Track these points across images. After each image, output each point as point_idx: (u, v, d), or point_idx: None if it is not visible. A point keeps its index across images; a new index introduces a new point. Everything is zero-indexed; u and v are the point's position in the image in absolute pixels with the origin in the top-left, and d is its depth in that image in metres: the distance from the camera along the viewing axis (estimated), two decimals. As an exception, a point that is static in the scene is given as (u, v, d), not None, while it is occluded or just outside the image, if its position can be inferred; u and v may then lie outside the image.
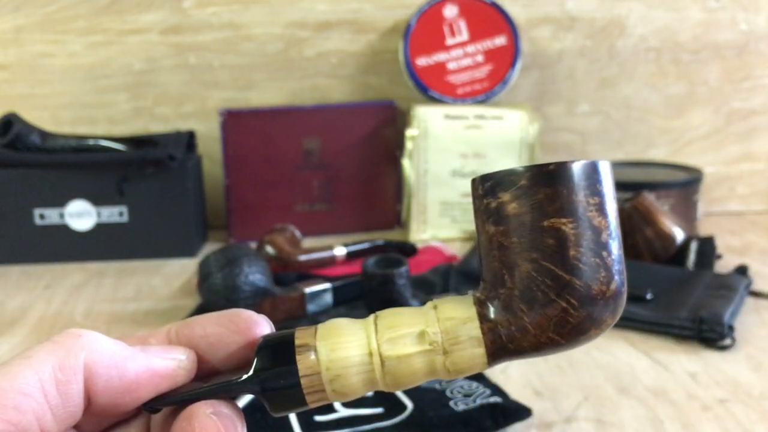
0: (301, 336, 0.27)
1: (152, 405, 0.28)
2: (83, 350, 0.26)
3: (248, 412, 0.28)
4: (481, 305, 0.27)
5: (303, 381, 0.27)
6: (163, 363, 0.27)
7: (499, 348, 0.26)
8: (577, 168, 0.25)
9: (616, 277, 0.26)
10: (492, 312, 0.26)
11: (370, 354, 0.27)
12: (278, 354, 0.27)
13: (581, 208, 0.25)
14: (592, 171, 0.26)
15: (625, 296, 0.27)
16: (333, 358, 0.27)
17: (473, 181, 0.27)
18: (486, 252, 0.27)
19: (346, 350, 0.27)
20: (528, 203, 0.25)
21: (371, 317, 0.28)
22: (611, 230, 0.26)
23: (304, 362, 0.27)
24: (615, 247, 0.26)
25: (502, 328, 0.26)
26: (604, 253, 0.26)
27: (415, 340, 0.27)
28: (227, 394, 0.27)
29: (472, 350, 0.26)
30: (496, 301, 0.26)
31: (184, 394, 0.27)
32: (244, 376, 0.27)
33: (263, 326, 0.29)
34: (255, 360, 0.27)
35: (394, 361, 0.27)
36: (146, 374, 0.27)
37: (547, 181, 0.25)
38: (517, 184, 0.26)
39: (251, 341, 0.28)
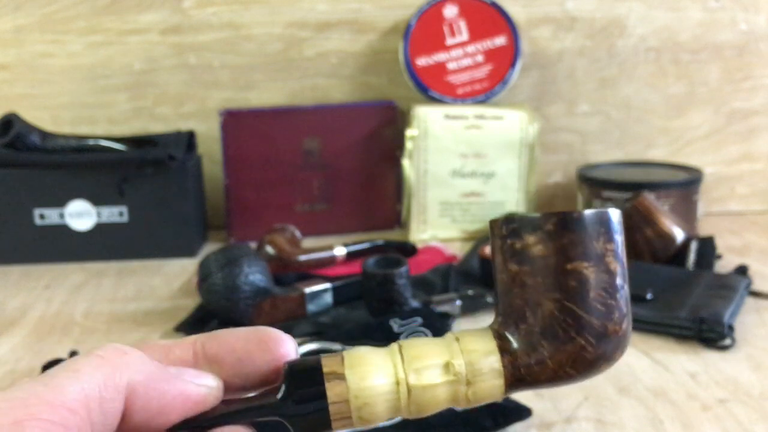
0: (328, 364, 0.28)
1: (179, 429, 0.28)
2: (128, 369, 0.26)
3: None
4: (501, 339, 0.28)
5: (331, 408, 0.27)
6: (197, 389, 0.28)
7: (517, 380, 0.28)
8: (597, 216, 0.28)
9: (627, 317, 0.28)
10: (513, 347, 0.28)
11: (397, 383, 0.28)
12: (307, 381, 0.28)
13: (601, 254, 0.27)
14: (608, 219, 0.28)
15: (630, 335, 0.29)
16: (362, 386, 0.28)
17: (494, 221, 0.29)
18: (506, 288, 0.28)
19: (374, 379, 0.28)
20: (553, 247, 0.27)
21: (395, 346, 0.29)
22: (623, 274, 0.28)
23: (333, 390, 0.28)
24: (626, 289, 0.28)
25: (522, 362, 0.28)
26: (618, 295, 0.28)
27: (440, 371, 0.28)
28: (252, 417, 0.28)
29: (492, 382, 0.28)
30: (517, 335, 0.28)
31: (211, 419, 0.28)
32: (272, 401, 0.28)
33: (290, 345, 0.29)
34: (283, 386, 0.28)
35: (419, 390, 0.28)
36: (180, 398, 0.27)
37: (571, 227, 0.27)
38: (543, 228, 0.27)
39: (277, 359, 0.29)
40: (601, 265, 0.27)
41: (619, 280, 0.28)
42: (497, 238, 0.29)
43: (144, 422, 0.27)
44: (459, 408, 0.29)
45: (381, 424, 0.52)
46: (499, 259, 0.29)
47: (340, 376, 0.28)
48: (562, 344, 0.27)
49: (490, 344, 0.28)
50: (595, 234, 0.27)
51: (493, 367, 0.28)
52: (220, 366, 0.29)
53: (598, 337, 0.27)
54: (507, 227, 0.28)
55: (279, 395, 0.28)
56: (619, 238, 0.28)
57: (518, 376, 0.28)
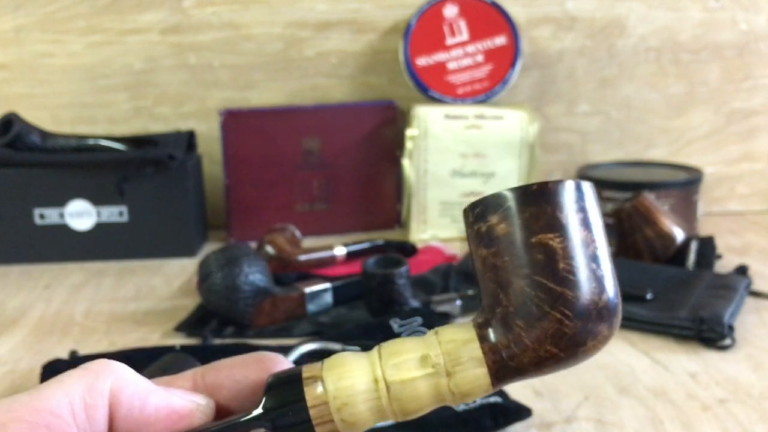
0: (308, 370, 0.28)
1: None
2: (111, 376, 0.27)
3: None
4: (480, 327, 0.28)
5: (312, 412, 0.27)
6: (183, 403, 0.28)
7: (501, 367, 0.27)
8: (559, 186, 0.27)
9: (608, 288, 0.27)
10: (491, 332, 0.27)
11: (376, 381, 0.27)
12: (287, 389, 0.28)
13: (567, 224, 0.26)
14: (575, 189, 0.27)
15: (620, 309, 0.27)
16: (339, 387, 0.27)
17: (464, 211, 0.28)
18: (481, 276, 0.28)
19: (351, 378, 0.27)
20: (515, 222, 0.27)
21: (375, 348, 0.29)
22: (597, 243, 0.27)
23: (311, 393, 0.27)
24: (604, 259, 0.27)
25: (502, 346, 0.27)
26: (593, 265, 0.27)
27: (418, 363, 0.27)
28: (238, 431, 0.28)
29: (474, 371, 0.27)
30: (494, 320, 0.27)
31: None
32: (254, 413, 0.28)
33: (286, 365, 0.29)
34: (264, 397, 0.28)
35: (398, 386, 0.27)
36: (165, 410, 0.27)
37: (531, 200, 0.27)
38: (503, 206, 0.27)
39: None
40: (570, 235, 0.26)
41: (592, 250, 0.27)
42: (468, 227, 0.28)
43: None
44: (453, 405, 0.29)
45: (380, 424, 0.52)
46: (472, 248, 0.28)
47: (319, 379, 0.27)
48: (537, 320, 0.26)
49: (469, 333, 0.27)
50: (560, 204, 0.26)
51: (473, 356, 0.27)
52: (219, 392, 0.29)
53: (575, 309, 0.26)
54: (473, 213, 0.28)
55: (261, 406, 0.28)
56: (589, 206, 0.27)
57: (501, 362, 0.27)
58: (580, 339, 0.26)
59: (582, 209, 0.27)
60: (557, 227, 0.26)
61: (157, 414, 0.27)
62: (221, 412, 0.29)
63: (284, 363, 0.30)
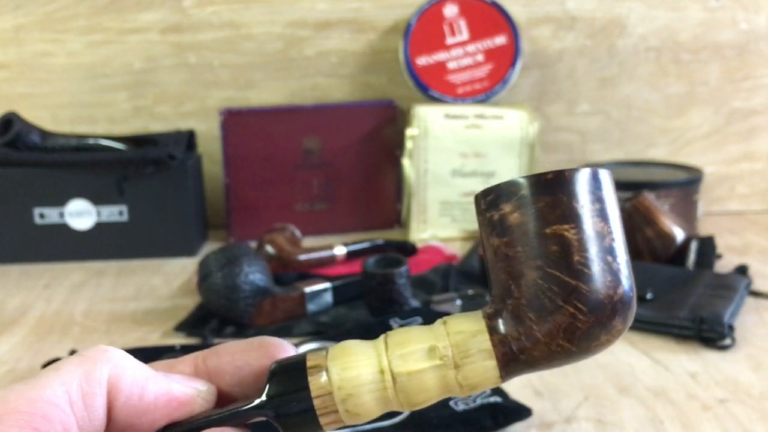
0: (312, 358, 0.27)
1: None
2: (109, 364, 0.26)
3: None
4: (490, 318, 0.27)
5: (315, 402, 0.27)
6: (183, 389, 0.27)
7: (511, 360, 0.26)
8: (576, 175, 0.26)
9: (624, 282, 0.26)
10: (501, 324, 0.26)
11: (382, 372, 0.27)
12: (290, 377, 0.27)
13: (583, 214, 0.25)
14: (592, 178, 0.26)
15: (635, 302, 0.27)
16: (344, 377, 0.27)
17: (476, 197, 0.27)
18: (492, 265, 0.27)
19: (357, 369, 0.27)
20: (529, 212, 0.25)
21: (381, 336, 0.28)
22: (614, 235, 0.26)
23: (315, 383, 0.27)
24: (620, 251, 0.26)
25: (512, 339, 0.26)
26: (609, 258, 0.26)
27: (425, 355, 0.26)
28: (240, 420, 0.27)
29: (483, 363, 0.26)
30: (505, 312, 0.26)
31: (197, 422, 0.27)
32: (257, 401, 0.27)
33: (290, 351, 0.29)
34: (267, 385, 0.27)
35: (405, 377, 0.26)
36: (165, 397, 0.27)
37: (546, 190, 0.25)
38: (517, 195, 0.26)
39: None
40: (585, 226, 0.25)
41: (609, 242, 0.26)
42: (479, 215, 0.27)
43: (128, 421, 0.26)
44: (458, 399, 0.28)
45: (380, 424, 0.52)
46: (483, 236, 0.27)
47: (323, 368, 0.27)
48: (549, 314, 0.25)
49: (478, 324, 0.27)
50: (576, 194, 0.25)
51: (482, 348, 0.26)
52: (221, 377, 0.29)
53: (590, 303, 0.25)
54: (485, 200, 0.27)
55: (264, 394, 0.27)
56: (607, 196, 0.26)
57: (511, 355, 0.26)
58: (593, 334, 0.25)
59: (599, 199, 0.26)
60: (572, 218, 0.25)
61: (157, 401, 0.27)
62: (223, 397, 0.29)
63: (287, 349, 0.29)
